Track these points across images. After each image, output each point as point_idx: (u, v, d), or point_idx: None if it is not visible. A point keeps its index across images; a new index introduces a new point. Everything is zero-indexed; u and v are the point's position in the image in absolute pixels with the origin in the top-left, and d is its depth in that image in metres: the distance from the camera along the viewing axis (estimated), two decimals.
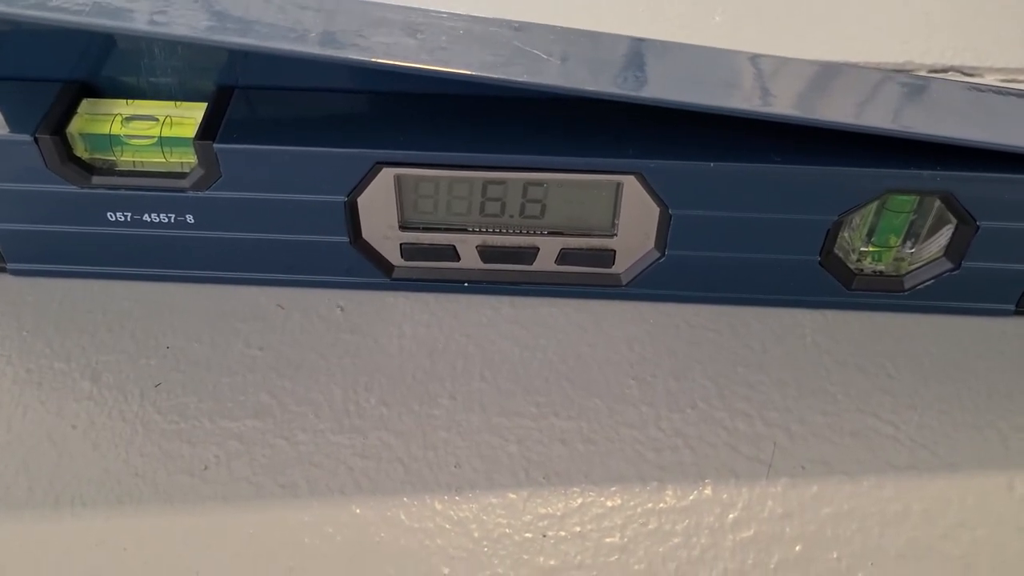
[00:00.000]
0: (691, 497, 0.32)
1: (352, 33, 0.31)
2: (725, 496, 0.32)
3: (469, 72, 0.31)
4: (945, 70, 0.49)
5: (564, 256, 0.37)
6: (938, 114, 0.33)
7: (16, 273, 0.39)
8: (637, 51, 0.33)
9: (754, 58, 0.34)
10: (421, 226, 0.36)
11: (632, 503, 0.32)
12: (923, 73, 0.49)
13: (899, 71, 0.49)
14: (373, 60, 0.31)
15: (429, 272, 0.38)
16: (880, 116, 0.33)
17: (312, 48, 0.31)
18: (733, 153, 0.33)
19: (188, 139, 0.34)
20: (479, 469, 0.33)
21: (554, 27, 0.34)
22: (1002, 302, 0.37)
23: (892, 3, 0.53)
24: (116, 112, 0.35)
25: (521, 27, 0.33)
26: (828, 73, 0.34)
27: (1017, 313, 0.37)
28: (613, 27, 0.49)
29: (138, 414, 0.34)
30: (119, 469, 0.33)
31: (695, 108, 0.31)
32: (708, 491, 0.33)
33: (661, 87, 0.32)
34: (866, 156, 0.33)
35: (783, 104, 0.32)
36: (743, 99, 0.32)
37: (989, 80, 0.49)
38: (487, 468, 0.33)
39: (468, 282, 0.38)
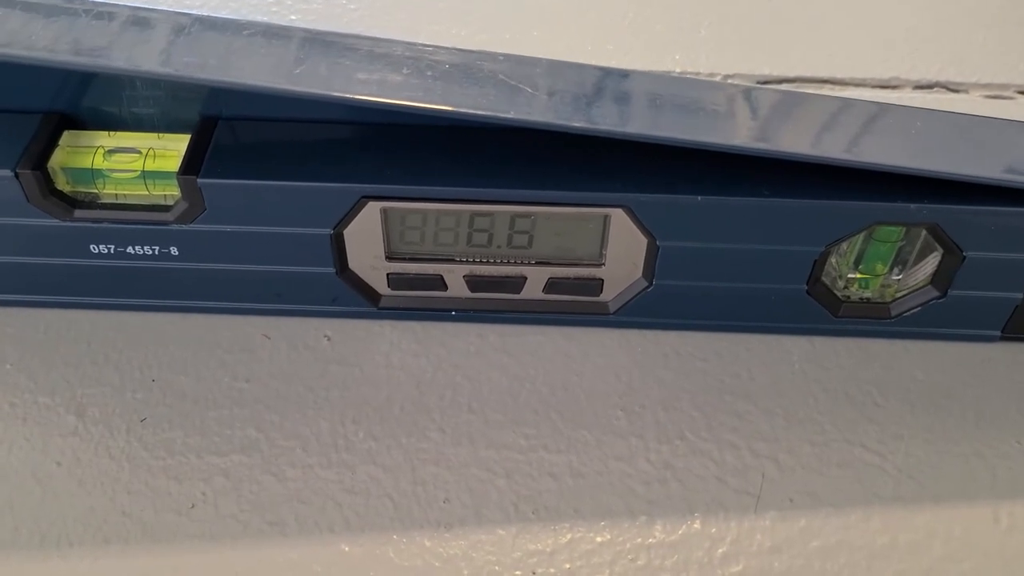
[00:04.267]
0: (680, 531, 0.32)
1: (336, 69, 0.31)
2: (714, 530, 0.32)
3: (454, 109, 0.31)
4: (931, 86, 0.49)
5: (552, 285, 0.37)
6: (924, 146, 0.33)
7: None
8: (625, 84, 0.33)
9: (744, 91, 0.34)
10: (408, 256, 0.36)
11: (621, 538, 0.32)
12: (908, 89, 0.49)
13: (885, 87, 0.49)
14: (357, 98, 0.30)
15: (416, 301, 0.38)
16: (868, 149, 0.33)
17: (295, 85, 0.30)
18: (721, 186, 0.33)
19: (171, 172, 0.34)
20: (468, 504, 0.33)
21: (539, 59, 0.33)
22: (988, 328, 0.37)
23: (878, 19, 0.53)
24: (98, 144, 0.35)
25: (507, 59, 0.33)
26: (814, 105, 0.34)
27: (1003, 338, 0.38)
28: (599, 41, 0.49)
29: (124, 450, 0.34)
30: (105, 507, 0.33)
31: (682, 144, 0.31)
32: (697, 525, 0.33)
33: (649, 122, 0.32)
34: (853, 188, 0.33)
35: (771, 139, 0.32)
36: (730, 134, 0.32)
37: (975, 96, 0.49)
38: (476, 503, 0.33)
39: (455, 311, 0.38)
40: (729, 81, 0.49)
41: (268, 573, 0.31)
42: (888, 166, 0.32)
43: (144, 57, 0.30)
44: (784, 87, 0.49)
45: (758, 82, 0.49)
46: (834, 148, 0.32)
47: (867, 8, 0.54)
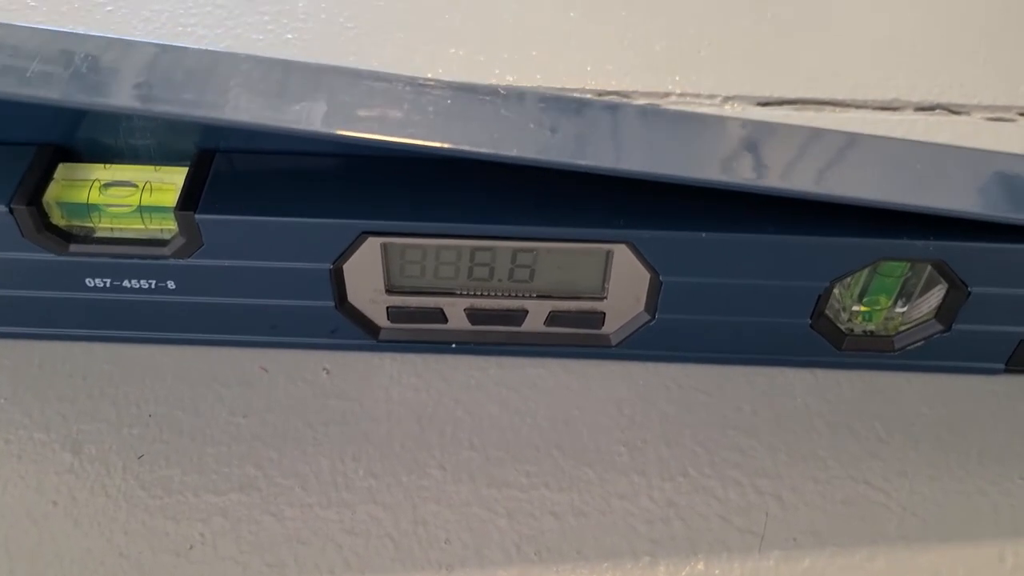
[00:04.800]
0: (684, 572, 0.32)
1: (336, 105, 0.31)
2: (718, 571, 0.32)
3: (456, 147, 0.30)
4: (932, 108, 0.49)
5: (553, 318, 0.36)
6: (929, 182, 0.33)
7: None
8: (628, 119, 0.32)
9: (745, 125, 0.33)
10: (408, 290, 0.36)
11: None
12: (910, 111, 0.49)
13: (886, 108, 0.49)
14: (357, 136, 0.30)
15: (416, 334, 0.37)
16: (873, 186, 0.32)
17: (296, 124, 0.30)
18: (725, 223, 0.33)
19: (168, 208, 0.33)
20: (469, 545, 0.33)
21: (543, 94, 0.33)
22: (992, 361, 0.37)
23: (879, 40, 0.53)
24: (94, 178, 0.34)
25: (508, 94, 0.33)
26: (817, 140, 0.34)
27: (1007, 371, 0.37)
28: (598, 62, 0.48)
29: (121, 488, 0.34)
30: (102, 548, 0.32)
31: (687, 182, 0.31)
32: (701, 566, 0.32)
33: (652, 160, 0.31)
34: (858, 224, 0.33)
35: (774, 176, 0.32)
36: (734, 171, 0.32)
37: (976, 117, 0.49)
38: (477, 543, 0.33)
39: (456, 343, 0.37)
40: (729, 103, 0.48)
41: None
42: (894, 204, 0.31)
43: (139, 95, 0.30)
44: (785, 109, 0.48)
45: (759, 103, 0.49)
46: (839, 185, 0.32)
47: (868, 30, 0.54)
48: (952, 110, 0.48)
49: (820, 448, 0.36)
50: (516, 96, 0.32)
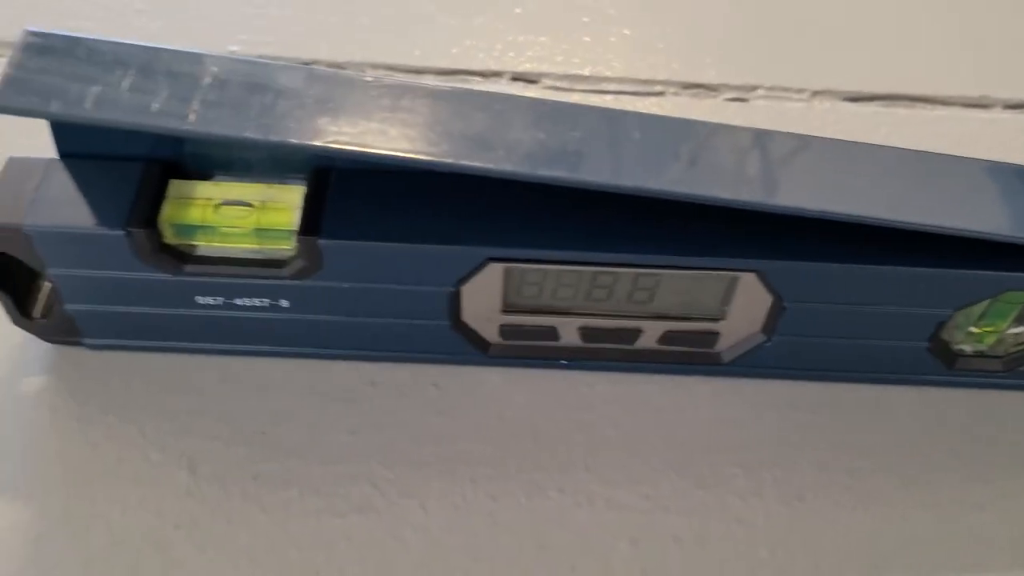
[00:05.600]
0: None
1: (471, 137, 0.30)
2: None
3: (590, 180, 0.30)
4: (1021, 105, 0.48)
5: (667, 337, 0.36)
6: None
7: (93, 348, 0.37)
8: (762, 150, 0.32)
9: (872, 150, 0.33)
10: (524, 309, 0.35)
11: None
12: (999, 109, 0.48)
13: (975, 105, 0.48)
14: (492, 168, 0.29)
15: (526, 350, 0.37)
16: (1000, 220, 0.32)
17: (428, 155, 0.29)
18: (854, 253, 0.32)
19: (286, 229, 0.33)
20: (594, 572, 0.33)
21: (677, 120, 0.32)
22: None
23: (967, 36, 0.52)
24: (206, 196, 0.33)
25: (643, 124, 0.32)
26: (944, 168, 0.33)
27: None
28: (685, 55, 0.47)
29: (241, 511, 0.34)
30: (229, 575, 0.32)
31: (827, 216, 0.30)
32: None
33: (787, 194, 0.31)
34: (985, 256, 0.32)
35: (908, 211, 0.31)
36: (866, 204, 0.31)
37: None
38: (602, 570, 0.33)
39: (565, 359, 0.37)
40: (818, 97, 0.48)
41: None
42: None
43: (262, 125, 0.29)
44: (874, 105, 0.48)
45: (847, 99, 0.48)
46: (967, 219, 0.32)
47: (955, 26, 0.53)
48: None
49: (931, 472, 0.36)
50: (651, 124, 0.32)
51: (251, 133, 0.29)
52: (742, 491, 0.35)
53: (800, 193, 0.31)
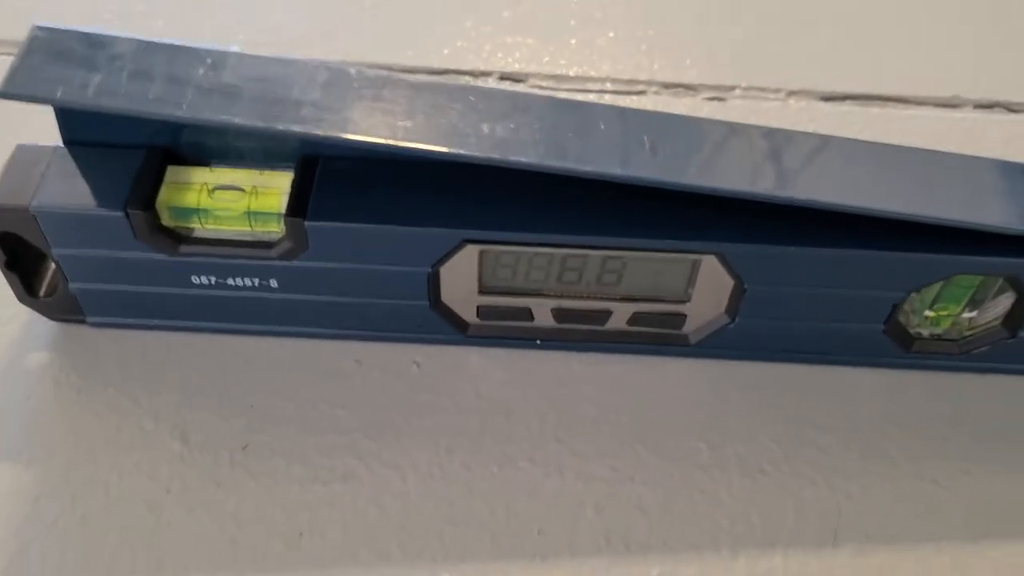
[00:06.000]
0: (762, 566, 0.34)
1: (446, 126, 0.32)
2: (794, 566, 0.34)
3: (558, 165, 0.32)
4: (991, 105, 0.50)
5: (636, 318, 0.38)
6: (1008, 201, 0.34)
7: (95, 325, 0.39)
8: (724, 138, 0.34)
9: (827, 140, 0.35)
10: (499, 291, 0.37)
11: (707, 571, 0.34)
12: (969, 108, 0.50)
13: (946, 105, 0.50)
14: (466, 154, 0.31)
15: (503, 330, 0.39)
16: (950, 206, 0.34)
17: (403, 141, 0.31)
18: (811, 236, 0.34)
19: (275, 212, 0.35)
20: (561, 536, 0.35)
21: (641, 112, 0.34)
22: None
23: (939, 38, 0.54)
24: (202, 181, 0.35)
25: (608, 115, 0.34)
26: (896, 157, 0.35)
27: None
28: (665, 55, 0.49)
29: (230, 477, 0.36)
30: (215, 536, 0.34)
31: (781, 201, 0.32)
32: (778, 559, 0.34)
33: (746, 180, 0.33)
34: (937, 240, 0.34)
35: (860, 196, 0.33)
36: (821, 190, 0.33)
37: None
38: (568, 535, 0.35)
39: (540, 340, 0.39)
40: (793, 97, 0.49)
41: None
42: (974, 223, 0.33)
43: (259, 112, 0.31)
44: (848, 104, 0.49)
45: (823, 99, 0.50)
46: (920, 204, 0.33)
47: (929, 26, 0.54)
48: (1011, 108, 0.49)
49: (890, 447, 0.37)
50: (627, 116, 0.34)
51: (240, 119, 0.31)
52: (706, 464, 0.37)
53: (755, 180, 0.32)
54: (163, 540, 0.34)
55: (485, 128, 0.32)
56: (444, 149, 0.32)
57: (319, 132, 0.31)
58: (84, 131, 0.36)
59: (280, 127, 0.31)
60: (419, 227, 0.34)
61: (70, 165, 0.35)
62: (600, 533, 0.35)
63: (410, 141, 0.32)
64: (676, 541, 0.35)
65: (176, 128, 0.36)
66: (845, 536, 0.35)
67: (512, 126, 0.33)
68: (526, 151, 0.32)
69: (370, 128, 0.32)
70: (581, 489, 0.36)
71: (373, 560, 0.34)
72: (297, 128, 0.31)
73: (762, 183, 0.32)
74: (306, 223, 0.34)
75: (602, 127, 0.33)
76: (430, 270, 0.36)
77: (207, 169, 0.36)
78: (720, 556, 0.34)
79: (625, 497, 0.36)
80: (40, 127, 0.35)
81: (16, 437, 0.36)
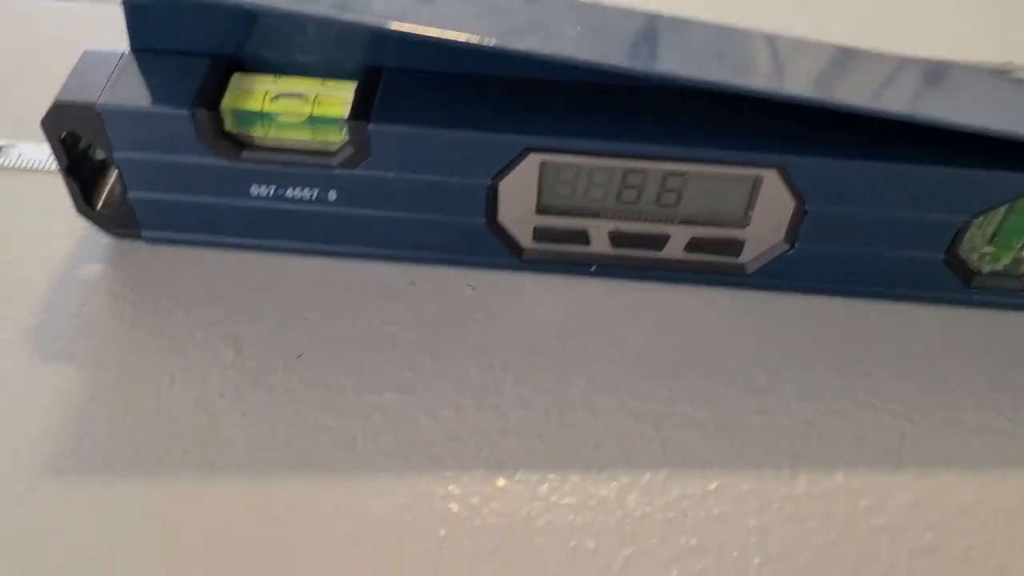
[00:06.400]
0: (824, 484, 0.34)
1: (513, 25, 0.32)
2: (856, 484, 0.34)
3: (618, 64, 0.32)
4: None
5: (693, 244, 0.38)
6: None
7: (150, 241, 0.39)
8: (791, 48, 0.34)
9: (906, 62, 0.35)
10: (557, 210, 0.37)
11: (767, 488, 0.33)
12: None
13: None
14: (536, 51, 0.31)
15: (558, 255, 0.39)
16: (1019, 123, 0.33)
17: (476, 37, 0.31)
18: (877, 151, 0.34)
19: (337, 119, 0.35)
20: (617, 449, 0.34)
21: (710, 24, 0.34)
22: None
23: (991, 3, 0.54)
24: (265, 89, 0.36)
25: (673, 26, 0.34)
26: (972, 75, 0.35)
27: None
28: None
29: (283, 384, 0.35)
30: (269, 438, 0.34)
31: (851, 110, 0.32)
32: (840, 478, 0.34)
33: (810, 86, 0.33)
34: (1006, 158, 0.34)
35: (930, 107, 0.33)
36: (889, 100, 0.33)
37: None
38: (625, 449, 0.34)
39: (595, 266, 0.39)
40: None
41: (429, 504, 0.32)
42: None
43: (334, 3, 0.31)
44: None
45: None
46: (986, 120, 0.33)
47: None
48: None
49: (949, 379, 0.37)
50: (686, 26, 0.34)
51: (311, 8, 0.31)
52: (763, 388, 0.36)
53: (822, 86, 0.33)
54: (215, 441, 0.34)
55: (553, 28, 0.32)
56: (515, 47, 0.32)
57: (390, 25, 0.31)
58: (152, 37, 0.36)
59: (352, 18, 0.31)
60: (483, 132, 0.34)
61: (137, 69, 0.36)
62: (657, 447, 0.34)
63: (484, 37, 0.32)
64: (734, 458, 0.34)
65: (242, 36, 0.36)
66: (908, 459, 0.34)
67: (579, 28, 0.33)
68: (596, 52, 0.32)
69: (444, 28, 0.32)
70: (637, 406, 0.35)
71: (426, 465, 0.33)
72: (369, 19, 0.31)
73: (829, 92, 0.32)
74: (369, 126, 0.34)
75: (668, 35, 0.33)
76: (489, 182, 0.36)
77: (271, 77, 0.36)
78: (780, 473, 0.34)
79: (681, 414, 0.35)
80: (107, 41, 0.36)
81: (69, 341, 0.36)
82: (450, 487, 0.33)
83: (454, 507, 0.32)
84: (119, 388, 0.35)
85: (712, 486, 0.33)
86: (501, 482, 0.33)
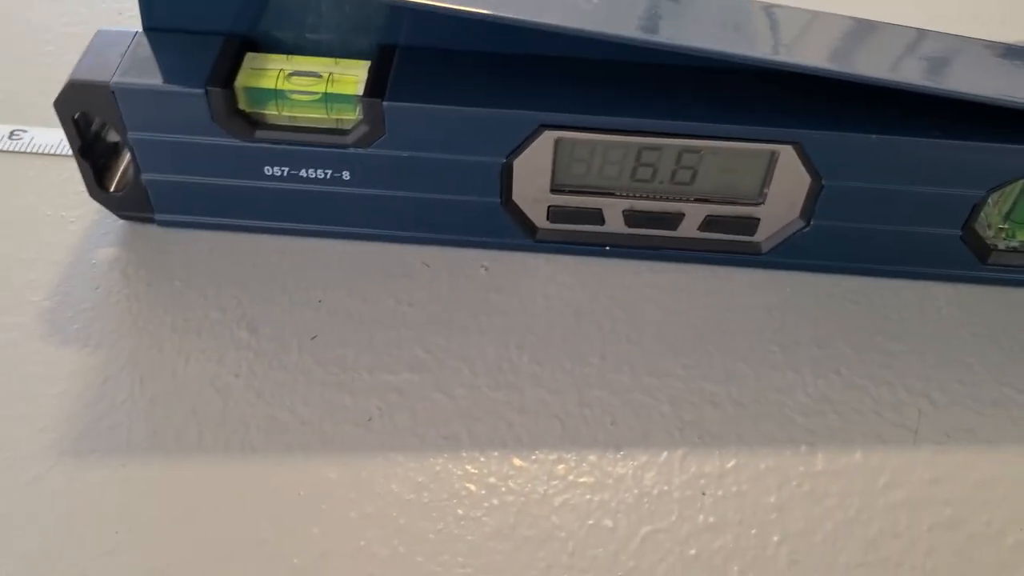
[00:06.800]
0: (842, 461, 0.33)
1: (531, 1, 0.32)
2: (875, 461, 0.33)
3: (634, 36, 0.32)
4: None
5: (708, 223, 0.38)
6: None
7: (163, 224, 0.39)
8: (807, 21, 0.34)
9: (921, 33, 0.35)
10: (571, 189, 0.37)
11: (785, 465, 0.33)
12: None
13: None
14: (554, 23, 0.31)
15: (572, 235, 0.38)
16: None
17: (497, 10, 0.31)
18: (893, 126, 0.34)
19: (352, 96, 0.35)
20: (634, 427, 0.34)
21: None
22: None
23: None
24: (279, 67, 0.36)
25: None
26: (989, 49, 0.35)
27: None
28: None
29: (298, 364, 0.35)
30: (285, 417, 0.34)
31: (868, 81, 0.32)
32: (858, 455, 0.34)
33: (825, 58, 0.33)
34: (1022, 132, 0.33)
35: (946, 79, 0.33)
36: (905, 72, 0.33)
37: None
38: (642, 426, 0.34)
39: (610, 245, 0.39)
40: None
41: (446, 483, 0.32)
42: None
43: None
44: None
45: None
46: (1002, 90, 0.33)
47: None
48: None
49: (966, 355, 0.37)
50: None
51: None
52: (779, 365, 0.36)
53: (839, 59, 0.32)
54: (230, 420, 0.34)
55: (568, 1, 0.32)
56: (533, 19, 0.32)
57: None
58: (165, 16, 0.36)
59: None
60: (497, 109, 0.34)
61: (150, 48, 0.36)
62: (674, 425, 0.34)
63: (499, 10, 0.32)
64: (751, 435, 0.34)
65: (255, 15, 0.36)
66: (925, 435, 0.34)
67: (595, 1, 0.33)
68: (610, 25, 0.32)
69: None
70: (653, 384, 0.35)
71: (443, 444, 0.33)
72: None
73: (847, 64, 0.32)
74: (384, 103, 0.34)
75: (684, 7, 0.33)
76: (504, 161, 0.36)
77: (284, 57, 0.36)
78: (798, 451, 0.34)
79: (698, 391, 0.35)
80: (121, 22, 0.36)
81: (84, 322, 0.36)
82: (467, 466, 0.33)
83: (471, 486, 0.32)
84: (134, 369, 0.35)
85: (730, 464, 0.33)
86: (518, 461, 0.33)
